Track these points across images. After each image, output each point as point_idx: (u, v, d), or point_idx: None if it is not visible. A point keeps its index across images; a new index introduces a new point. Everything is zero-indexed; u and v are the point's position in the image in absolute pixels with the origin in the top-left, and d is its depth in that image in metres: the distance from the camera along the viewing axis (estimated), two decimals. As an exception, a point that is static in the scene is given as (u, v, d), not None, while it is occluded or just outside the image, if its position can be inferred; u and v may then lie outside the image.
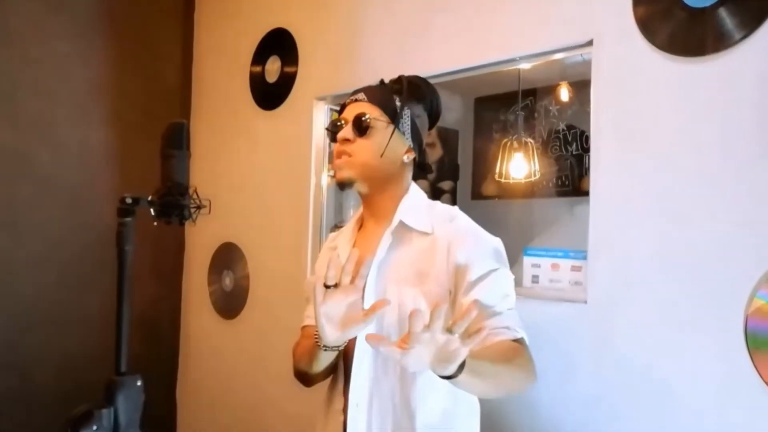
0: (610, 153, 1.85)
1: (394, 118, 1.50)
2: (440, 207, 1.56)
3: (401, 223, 1.49)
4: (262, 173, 3.00)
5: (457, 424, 1.48)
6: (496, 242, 1.49)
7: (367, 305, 1.36)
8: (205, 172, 3.22)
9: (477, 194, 4.41)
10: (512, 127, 4.13)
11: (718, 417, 1.61)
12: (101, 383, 1.02)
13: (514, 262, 1.52)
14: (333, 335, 1.30)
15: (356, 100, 1.54)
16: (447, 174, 4.40)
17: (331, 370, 1.54)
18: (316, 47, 2.78)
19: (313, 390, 1.60)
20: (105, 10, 3.07)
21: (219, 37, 3.30)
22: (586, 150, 3.60)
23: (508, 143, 3.71)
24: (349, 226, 1.66)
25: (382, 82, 1.60)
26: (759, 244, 1.56)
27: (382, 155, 1.49)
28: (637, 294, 1.76)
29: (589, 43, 1.90)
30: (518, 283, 1.48)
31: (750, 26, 1.60)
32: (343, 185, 1.52)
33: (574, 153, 3.92)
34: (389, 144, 1.49)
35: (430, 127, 1.65)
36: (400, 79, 1.56)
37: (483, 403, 1.54)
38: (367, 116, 1.49)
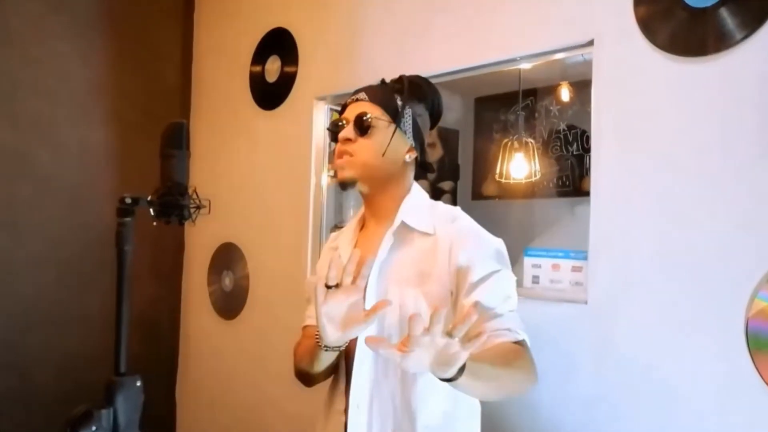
0: (610, 153, 1.85)
1: (395, 117, 1.50)
2: (442, 207, 1.56)
3: (403, 224, 1.49)
4: (262, 173, 2.99)
5: (458, 426, 1.47)
6: (498, 243, 1.48)
7: (368, 306, 1.36)
8: (204, 172, 3.21)
9: (477, 194, 4.41)
10: (513, 127, 4.13)
11: (719, 417, 1.60)
12: (101, 383, 1.02)
13: (514, 262, 1.52)
14: (334, 335, 1.30)
15: (357, 100, 1.54)
16: (447, 174, 4.40)
17: (332, 370, 1.54)
18: (316, 47, 2.78)
19: (313, 390, 1.60)
20: (105, 10, 3.07)
21: (219, 36, 3.30)
22: (587, 150, 3.60)
23: (509, 143, 3.71)
24: (351, 226, 1.65)
25: (383, 81, 1.60)
26: (759, 245, 1.56)
27: (383, 154, 1.48)
28: (638, 294, 1.76)
29: (590, 43, 1.90)
30: (519, 283, 1.48)
31: (751, 26, 1.59)
32: (344, 185, 1.52)
33: (574, 153, 3.92)
34: (391, 143, 1.48)
35: (432, 127, 1.65)
36: (401, 78, 1.56)
37: (483, 403, 1.53)
38: (368, 115, 1.48)
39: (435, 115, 1.63)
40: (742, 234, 1.59)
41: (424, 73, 1.65)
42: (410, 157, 1.54)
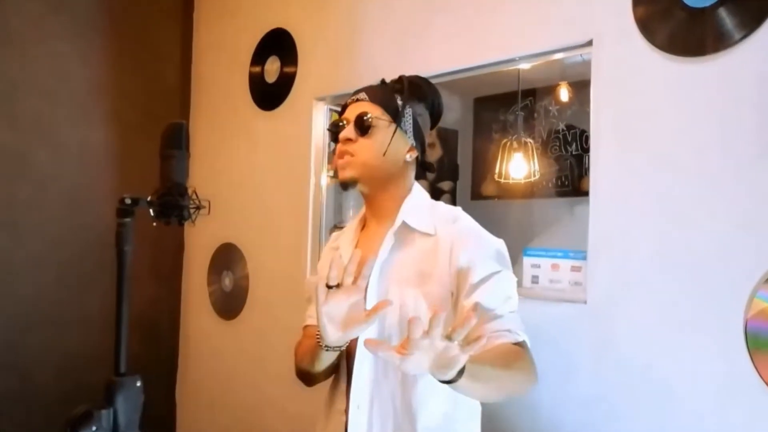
0: (609, 153, 1.85)
1: (395, 116, 1.50)
2: (443, 207, 1.56)
3: (404, 224, 1.49)
4: (262, 174, 3.00)
5: (458, 427, 1.47)
6: (499, 244, 1.48)
7: (369, 306, 1.36)
8: (204, 173, 3.22)
9: (476, 194, 4.42)
10: (512, 127, 4.13)
11: (718, 417, 1.61)
12: (101, 384, 1.02)
13: (513, 262, 1.52)
14: (335, 335, 1.30)
15: (358, 100, 1.53)
16: (446, 174, 4.41)
17: (333, 370, 1.54)
18: (316, 47, 2.78)
19: (313, 390, 1.60)
20: (105, 10, 3.07)
21: (218, 37, 3.30)
22: (586, 150, 3.61)
23: (508, 143, 3.71)
24: (352, 226, 1.65)
25: (383, 81, 1.60)
26: (759, 245, 1.56)
27: (384, 154, 1.48)
28: (637, 294, 1.76)
29: (589, 43, 1.90)
30: (518, 283, 1.48)
31: (750, 26, 1.60)
32: (346, 185, 1.52)
33: (573, 153, 3.93)
34: (391, 143, 1.48)
35: (432, 126, 1.65)
36: (401, 79, 1.56)
37: (483, 403, 1.53)
38: (368, 115, 1.49)
39: (435, 114, 1.63)
40: (741, 234, 1.59)
41: (423, 73, 1.66)
42: (411, 156, 1.54)
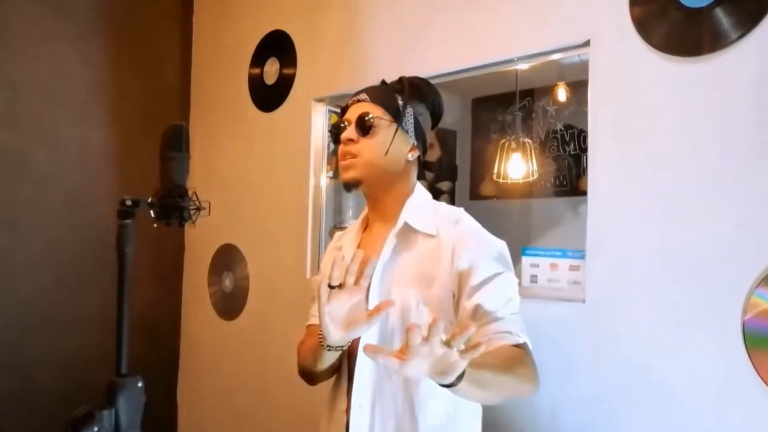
0: (607, 153, 1.86)
1: (396, 116, 1.50)
2: (445, 208, 1.56)
3: (406, 225, 1.49)
4: (262, 174, 3.00)
5: (459, 427, 1.47)
6: (501, 245, 1.48)
7: (371, 306, 1.36)
8: (204, 174, 3.22)
9: (475, 194, 4.42)
10: (510, 128, 4.14)
11: (718, 416, 1.61)
12: (102, 384, 1.03)
13: (512, 262, 1.52)
14: (337, 335, 1.31)
15: (358, 101, 1.54)
16: (445, 174, 4.41)
17: (335, 369, 1.54)
18: (314, 49, 2.79)
19: (314, 391, 1.61)
20: (104, 11, 3.07)
21: (218, 38, 3.31)
22: (584, 150, 3.62)
23: (506, 143, 3.71)
24: (354, 227, 1.66)
25: (383, 82, 1.60)
26: (757, 244, 1.57)
27: (386, 154, 1.49)
28: (636, 293, 1.77)
29: (586, 43, 1.91)
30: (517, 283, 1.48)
31: (746, 26, 1.60)
32: (349, 186, 1.52)
33: (571, 153, 3.93)
34: (393, 142, 1.49)
35: (433, 126, 1.65)
36: (401, 80, 1.56)
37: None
38: (370, 115, 1.49)
39: (436, 114, 1.63)
40: (739, 233, 1.60)
41: (422, 74, 1.66)
42: (413, 156, 1.54)
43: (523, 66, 2.23)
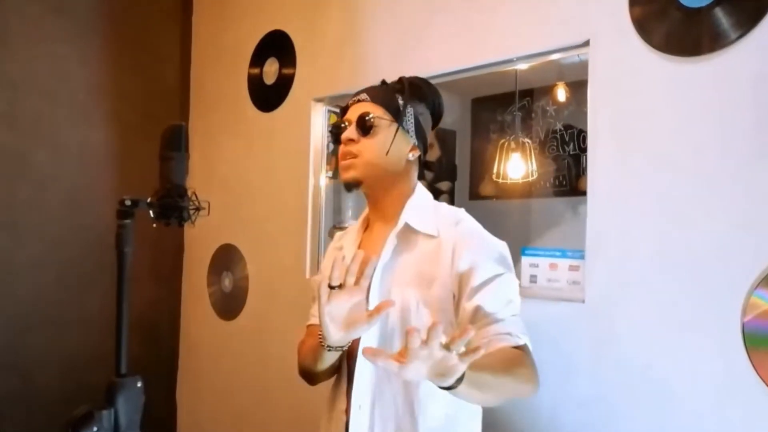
0: (607, 153, 1.86)
1: (397, 116, 1.50)
2: (445, 209, 1.56)
3: (406, 225, 1.49)
4: (261, 174, 3.00)
5: (459, 428, 1.47)
6: (502, 246, 1.48)
7: (371, 306, 1.36)
8: (203, 174, 3.22)
9: (474, 194, 4.42)
10: (509, 128, 4.14)
11: (717, 416, 1.61)
12: (101, 384, 1.03)
13: (512, 262, 1.52)
14: (337, 335, 1.31)
15: (359, 101, 1.54)
16: (445, 174, 4.41)
17: (335, 369, 1.54)
18: (314, 49, 2.79)
19: (314, 390, 1.61)
20: (104, 11, 3.07)
21: (217, 38, 3.31)
22: (584, 150, 3.62)
23: (506, 143, 3.71)
24: (355, 227, 1.66)
25: (383, 82, 1.60)
26: (757, 244, 1.57)
27: (387, 153, 1.48)
28: (635, 293, 1.77)
29: (586, 43, 1.91)
30: (516, 283, 1.48)
31: (746, 26, 1.60)
32: (349, 186, 1.52)
33: (571, 153, 3.93)
34: (394, 142, 1.49)
35: (434, 126, 1.65)
36: (401, 80, 1.56)
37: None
38: (370, 115, 1.49)
39: (436, 114, 1.63)
40: (739, 233, 1.60)
41: (421, 74, 1.66)
42: (413, 155, 1.54)
43: (522, 66, 2.23)
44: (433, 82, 1.65)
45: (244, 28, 3.12)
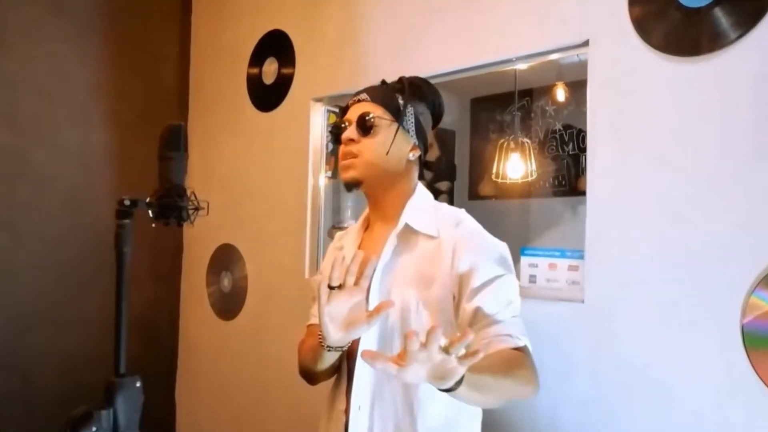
0: (606, 153, 1.86)
1: (397, 115, 1.50)
2: (446, 209, 1.56)
3: (407, 226, 1.49)
4: (260, 174, 3.00)
5: (459, 429, 1.47)
6: (502, 247, 1.48)
7: (371, 307, 1.36)
8: (202, 174, 3.22)
9: (474, 194, 4.42)
10: (509, 128, 4.14)
11: (717, 416, 1.61)
12: (101, 384, 1.03)
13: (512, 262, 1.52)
14: (336, 336, 1.31)
15: (359, 101, 1.54)
16: (444, 174, 4.41)
17: (336, 369, 1.54)
18: (313, 49, 2.79)
19: (313, 391, 1.61)
20: (103, 11, 3.07)
21: (216, 38, 3.31)
22: (583, 150, 3.62)
23: (505, 143, 3.71)
24: (356, 227, 1.66)
25: (383, 82, 1.60)
26: (756, 244, 1.57)
27: (387, 153, 1.48)
28: (635, 293, 1.77)
29: (585, 43, 1.91)
30: (515, 283, 1.48)
31: (745, 26, 1.60)
32: (350, 186, 1.52)
33: (570, 153, 3.93)
34: (394, 142, 1.49)
35: (434, 126, 1.65)
36: (401, 80, 1.56)
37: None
38: (371, 115, 1.49)
39: (436, 114, 1.63)
40: (738, 233, 1.60)
41: (421, 74, 1.66)
42: (414, 155, 1.54)
43: (521, 66, 2.23)
44: (432, 81, 1.65)
45: (243, 28, 3.11)
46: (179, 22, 3.42)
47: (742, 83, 1.61)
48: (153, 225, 1.08)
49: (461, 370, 1.06)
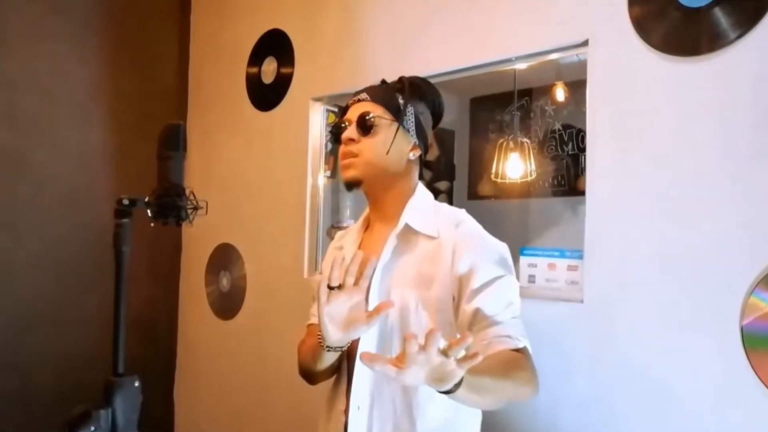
0: (606, 152, 1.85)
1: (397, 115, 1.50)
2: (446, 209, 1.56)
3: (407, 226, 1.49)
4: (259, 174, 3.00)
5: (458, 429, 1.47)
6: (502, 248, 1.48)
7: (370, 307, 1.36)
8: (201, 173, 3.22)
9: (473, 194, 4.42)
10: (508, 127, 4.13)
11: (716, 416, 1.61)
12: (99, 384, 1.03)
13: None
14: (336, 336, 1.31)
15: (359, 100, 1.54)
16: (443, 174, 4.41)
17: (335, 369, 1.54)
18: (312, 48, 2.78)
19: (313, 390, 1.61)
20: (103, 11, 3.07)
21: (215, 38, 3.30)
22: (582, 149, 3.62)
23: (504, 143, 3.71)
24: (356, 227, 1.66)
25: (383, 82, 1.60)
26: (756, 244, 1.56)
27: (387, 153, 1.48)
28: (634, 293, 1.77)
29: (585, 43, 1.91)
30: (514, 283, 1.48)
31: (745, 26, 1.60)
32: (350, 185, 1.51)
33: (570, 153, 3.93)
34: (394, 141, 1.48)
35: (434, 126, 1.65)
36: (401, 79, 1.56)
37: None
38: (371, 115, 1.49)
39: (437, 114, 1.63)
40: (738, 233, 1.59)
41: (420, 74, 1.66)
42: (414, 155, 1.54)
43: (521, 66, 2.22)
44: (432, 81, 1.65)
45: (243, 28, 3.11)
46: (178, 22, 3.42)
47: (742, 83, 1.60)
48: (152, 224, 1.08)
49: (460, 373, 1.05)
